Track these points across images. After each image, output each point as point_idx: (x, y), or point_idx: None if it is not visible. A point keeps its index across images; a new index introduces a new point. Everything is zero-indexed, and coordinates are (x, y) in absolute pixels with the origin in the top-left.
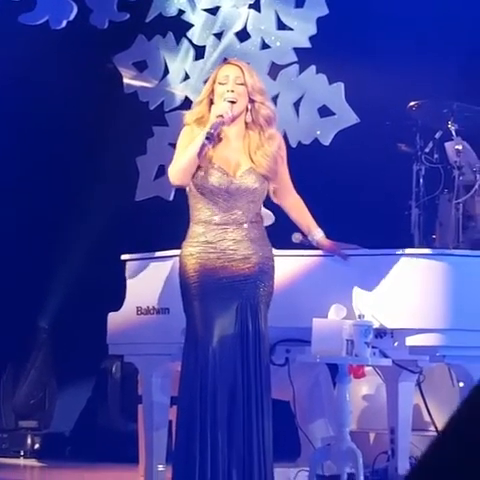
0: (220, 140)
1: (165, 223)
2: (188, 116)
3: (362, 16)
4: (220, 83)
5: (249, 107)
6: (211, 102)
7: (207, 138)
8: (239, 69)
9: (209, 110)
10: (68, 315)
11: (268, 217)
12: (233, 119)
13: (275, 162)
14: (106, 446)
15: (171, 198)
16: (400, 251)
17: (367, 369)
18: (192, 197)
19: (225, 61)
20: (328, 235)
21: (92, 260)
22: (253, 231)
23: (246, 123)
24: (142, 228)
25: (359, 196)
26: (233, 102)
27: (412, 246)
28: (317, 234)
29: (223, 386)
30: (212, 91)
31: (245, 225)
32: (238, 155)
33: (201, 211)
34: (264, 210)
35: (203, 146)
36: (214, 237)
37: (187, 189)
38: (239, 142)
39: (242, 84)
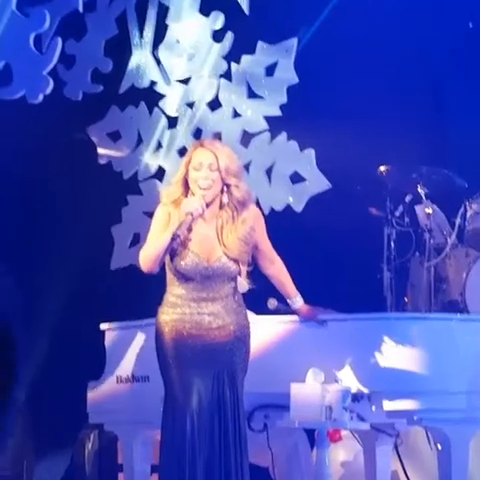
0: (197, 222)
1: (141, 291)
2: (164, 196)
3: (331, 84)
4: (194, 168)
5: (225, 189)
6: (186, 183)
7: (173, 239)
8: (213, 155)
9: (184, 192)
10: (47, 386)
11: (242, 286)
12: (208, 205)
13: (246, 244)
14: None
15: None
16: (375, 315)
17: (344, 434)
18: (169, 272)
19: (199, 142)
20: (302, 298)
21: (70, 329)
22: (229, 303)
23: (221, 203)
24: (119, 296)
25: (332, 260)
26: (207, 189)
27: (385, 309)
28: (296, 302)
29: (201, 453)
30: (187, 172)
31: (220, 300)
32: (212, 238)
33: (177, 287)
34: (238, 279)
35: (171, 243)
36: (189, 310)
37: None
38: (213, 223)
39: (216, 170)
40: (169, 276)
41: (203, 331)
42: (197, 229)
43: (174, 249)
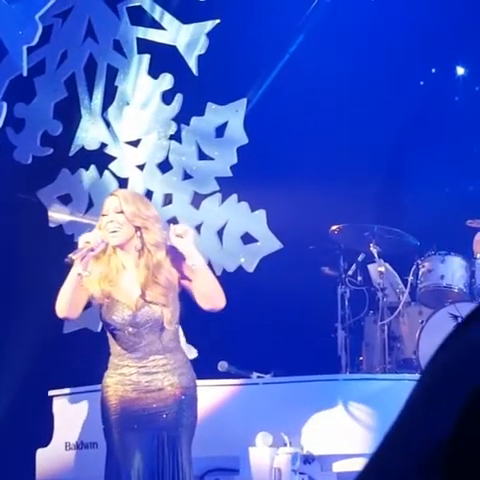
0: (118, 271)
1: (93, 355)
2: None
3: (281, 144)
4: (103, 215)
5: (138, 234)
6: None
7: (66, 262)
8: (116, 198)
9: None
10: None
11: (191, 351)
12: (121, 246)
13: (165, 288)
14: None
15: (99, 329)
16: (324, 377)
17: None
18: (106, 330)
19: (110, 192)
20: (255, 359)
21: (19, 395)
22: (169, 361)
23: (138, 250)
24: (70, 361)
25: (286, 320)
26: (114, 231)
27: (340, 368)
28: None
29: None
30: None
31: (158, 355)
32: (135, 286)
33: (114, 345)
34: (187, 345)
35: (76, 276)
36: (129, 370)
37: None
38: (134, 271)
39: (120, 212)
40: (108, 334)
41: (142, 394)
42: (121, 278)
43: (101, 303)
